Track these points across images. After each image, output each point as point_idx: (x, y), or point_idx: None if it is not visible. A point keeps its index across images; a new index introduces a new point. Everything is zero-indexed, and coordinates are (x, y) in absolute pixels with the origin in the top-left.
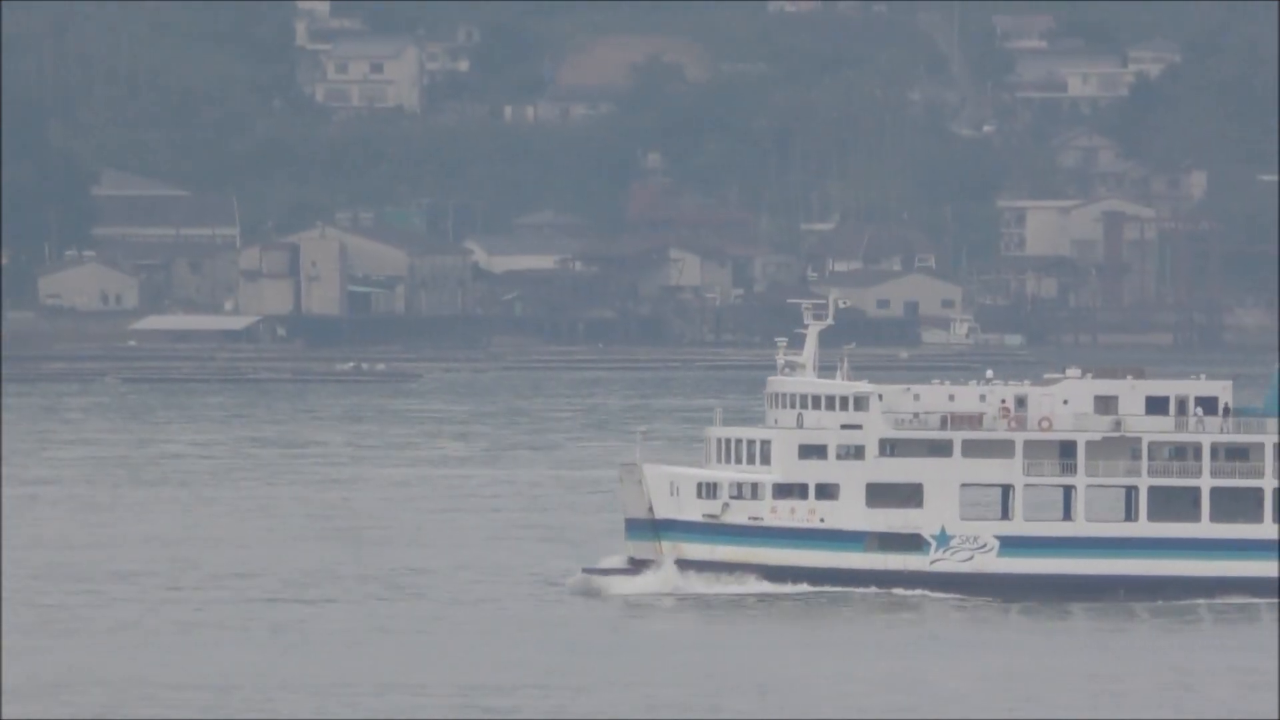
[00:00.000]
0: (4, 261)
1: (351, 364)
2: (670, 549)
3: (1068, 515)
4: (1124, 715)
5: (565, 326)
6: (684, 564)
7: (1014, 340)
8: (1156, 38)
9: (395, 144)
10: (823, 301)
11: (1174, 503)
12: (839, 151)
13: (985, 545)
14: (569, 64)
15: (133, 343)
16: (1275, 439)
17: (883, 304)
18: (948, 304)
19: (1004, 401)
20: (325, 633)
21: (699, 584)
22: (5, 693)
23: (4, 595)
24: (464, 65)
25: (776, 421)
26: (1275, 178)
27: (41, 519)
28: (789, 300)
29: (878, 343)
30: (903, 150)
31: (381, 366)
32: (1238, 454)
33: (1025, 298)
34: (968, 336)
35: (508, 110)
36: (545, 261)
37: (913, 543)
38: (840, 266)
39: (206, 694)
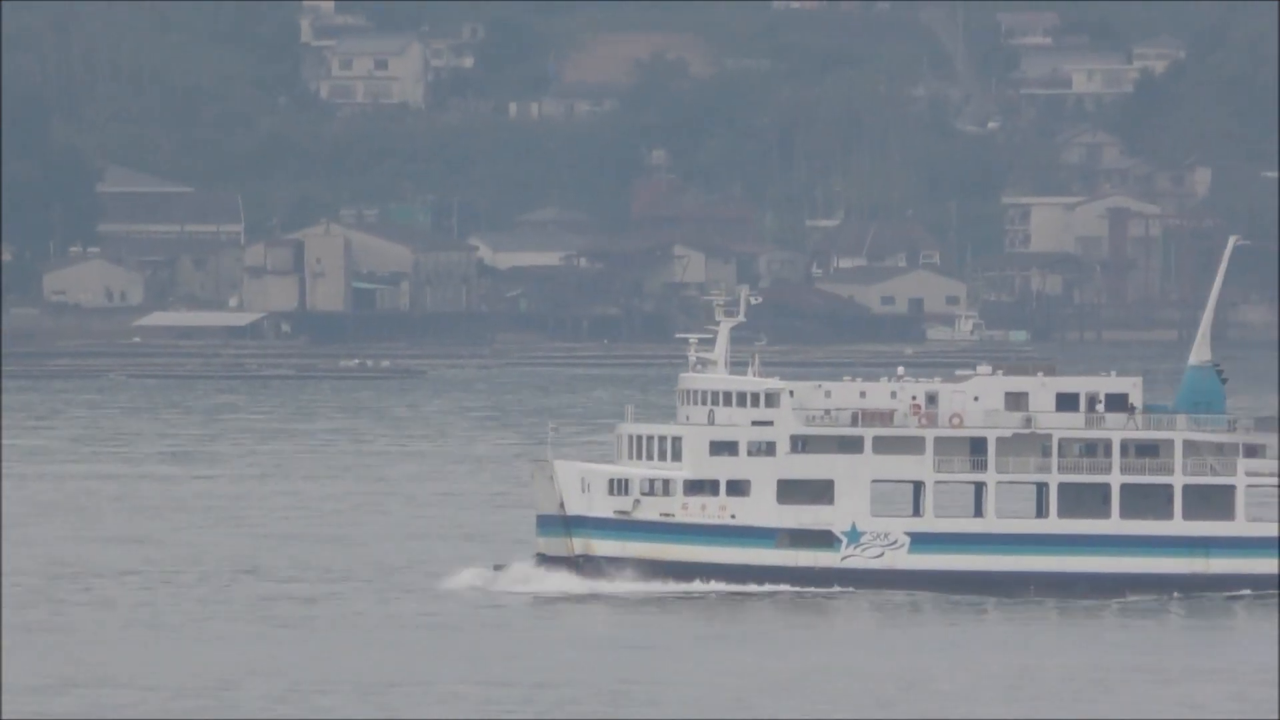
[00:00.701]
0: (8, 258)
1: (356, 361)
2: (581, 545)
3: (979, 512)
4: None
5: (570, 323)
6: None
7: (1019, 337)
8: (1161, 35)
9: (400, 140)
10: (734, 298)
11: (1084, 499)
12: (843, 148)
13: (896, 542)
14: (573, 61)
15: (137, 339)
16: (1185, 435)
17: (887, 300)
18: (952, 300)
19: (915, 398)
20: (320, 627)
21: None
22: (5, 692)
23: (11, 594)
24: (468, 62)
25: (688, 418)
26: (1278, 174)
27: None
28: (703, 297)
29: (882, 339)
30: (907, 147)
31: (386, 363)
32: (1148, 450)
33: (1030, 294)
34: (972, 333)
35: (512, 107)
36: (550, 258)
37: (824, 539)
38: (845, 263)
39: (208, 691)
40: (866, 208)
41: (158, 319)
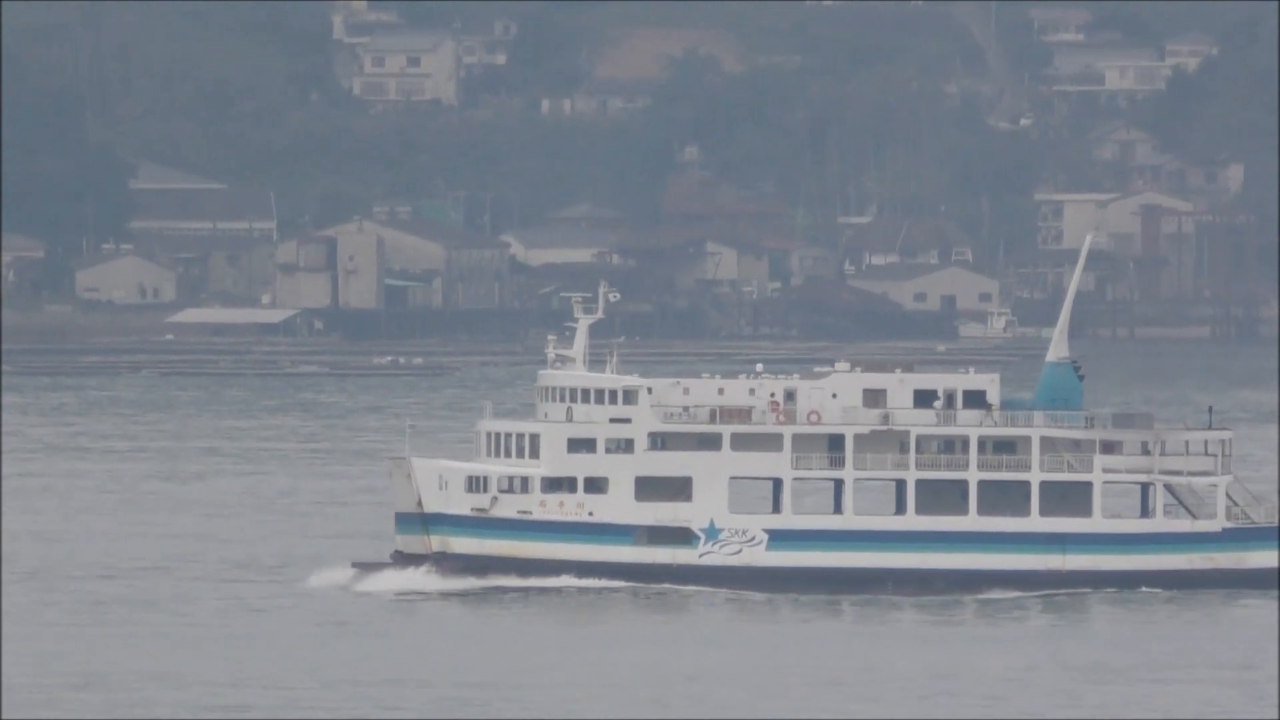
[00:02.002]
0: (41, 255)
1: (389, 358)
2: (439, 543)
3: (837, 508)
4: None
5: (602, 320)
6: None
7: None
8: (1193, 30)
9: (432, 137)
10: (592, 295)
11: (942, 496)
12: (875, 144)
13: (754, 539)
14: (605, 57)
15: (170, 336)
16: (1042, 432)
17: (920, 297)
18: (985, 297)
19: (773, 395)
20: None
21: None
22: (5, 692)
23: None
24: (501, 59)
25: (546, 415)
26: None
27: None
28: (562, 294)
29: (914, 336)
30: (939, 143)
31: (419, 360)
32: (1005, 447)
33: (1062, 291)
34: (1005, 330)
35: (545, 103)
36: (582, 255)
37: (682, 536)
38: (877, 260)
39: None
40: (899, 204)
41: (190, 316)
